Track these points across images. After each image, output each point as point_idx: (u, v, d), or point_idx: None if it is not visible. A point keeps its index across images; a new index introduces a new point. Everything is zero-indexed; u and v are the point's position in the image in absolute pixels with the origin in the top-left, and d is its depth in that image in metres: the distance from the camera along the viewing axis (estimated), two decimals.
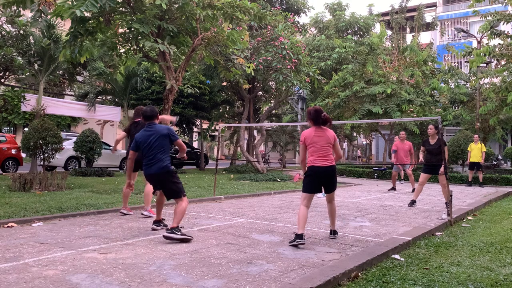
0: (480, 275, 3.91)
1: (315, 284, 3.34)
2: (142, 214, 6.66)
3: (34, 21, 8.57)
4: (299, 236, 4.81)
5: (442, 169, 7.87)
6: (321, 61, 22.03)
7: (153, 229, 5.64)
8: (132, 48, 10.06)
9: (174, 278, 3.59)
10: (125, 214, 6.80)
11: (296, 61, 16.45)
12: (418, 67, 20.20)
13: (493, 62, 19.68)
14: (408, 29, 35.33)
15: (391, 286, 3.56)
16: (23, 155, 14.82)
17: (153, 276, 3.64)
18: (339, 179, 14.51)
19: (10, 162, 15.25)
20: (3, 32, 13.58)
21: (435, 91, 20.13)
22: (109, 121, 25.80)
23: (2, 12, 12.14)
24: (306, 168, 5.16)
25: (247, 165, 19.55)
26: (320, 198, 9.80)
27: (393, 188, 12.27)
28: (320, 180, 5.09)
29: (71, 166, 16.30)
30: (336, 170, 5.22)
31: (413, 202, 8.93)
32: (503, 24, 14.34)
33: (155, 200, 6.00)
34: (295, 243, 4.77)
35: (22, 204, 7.33)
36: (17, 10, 12.28)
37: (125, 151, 14.37)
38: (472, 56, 14.45)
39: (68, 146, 15.42)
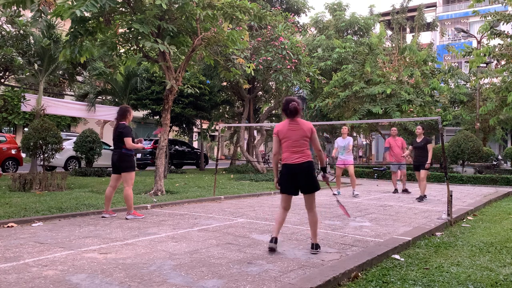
0: (480, 275, 3.91)
1: (315, 284, 3.34)
2: (126, 218, 6.56)
3: (34, 21, 8.55)
4: (272, 239, 4.61)
5: (427, 165, 9.49)
6: (321, 61, 22.02)
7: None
8: (132, 48, 10.05)
9: (174, 278, 3.59)
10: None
11: (296, 61, 16.45)
12: (418, 67, 20.19)
13: (493, 62, 19.70)
14: (408, 29, 35.34)
15: (391, 286, 3.56)
16: (23, 155, 14.83)
17: (153, 276, 3.64)
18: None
19: (10, 162, 15.25)
20: (3, 32, 13.58)
21: (435, 91, 20.12)
22: (109, 121, 25.80)
23: (2, 12, 12.14)
24: (279, 166, 4.77)
25: (247, 165, 19.56)
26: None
27: (396, 190, 11.74)
28: (294, 179, 4.62)
29: (71, 166, 16.31)
30: (314, 167, 4.70)
31: (422, 197, 9.80)
32: (503, 24, 14.33)
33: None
34: (269, 246, 4.60)
35: (22, 204, 7.33)
36: (17, 10, 12.32)
37: None
38: (472, 56, 14.44)
39: (68, 146, 15.43)
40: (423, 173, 9.74)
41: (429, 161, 9.62)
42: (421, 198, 9.81)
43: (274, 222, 6.43)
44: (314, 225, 4.68)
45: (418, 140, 9.87)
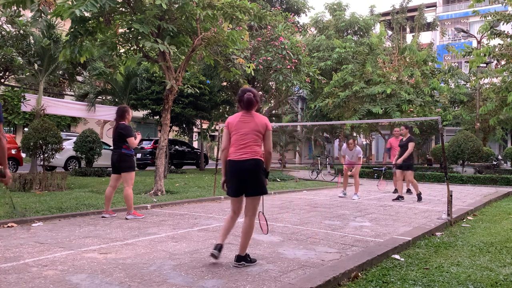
0: (480, 275, 3.91)
1: (315, 284, 3.34)
2: (126, 218, 6.56)
3: (34, 21, 8.55)
4: (215, 246, 4.02)
5: (399, 160, 9.62)
6: (321, 61, 22.03)
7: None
8: (132, 48, 10.05)
9: (174, 278, 3.59)
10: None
11: (296, 61, 16.45)
12: (418, 67, 20.20)
13: (493, 62, 19.69)
14: (408, 29, 35.34)
15: (391, 286, 3.56)
16: (23, 155, 14.83)
17: (153, 276, 3.64)
18: (337, 179, 14.39)
19: (10, 162, 15.23)
20: (3, 32, 13.58)
21: (435, 91, 20.12)
22: (109, 121, 25.79)
23: (2, 12, 12.14)
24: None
25: None
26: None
27: (396, 190, 11.38)
28: (237, 178, 3.99)
29: (71, 166, 16.30)
30: (262, 166, 4.02)
31: (400, 197, 9.93)
32: (503, 24, 14.33)
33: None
34: (211, 252, 4.04)
35: (22, 204, 7.33)
36: (17, 10, 12.31)
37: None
38: (472, 56, 14.44)
39: (68, 146, 15.43)
40: (409, 174, 9.76)
41: (403, 157, 9.64)
42: (419, 197, 9.81)
43: (272, 222, 6.45)
44: (247, 235, 4.04)
45: (404, 139, 9.93)
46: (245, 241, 4.03)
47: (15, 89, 20.46)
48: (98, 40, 9.45)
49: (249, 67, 11.86)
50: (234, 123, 4.05)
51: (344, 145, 10.80)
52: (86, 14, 7.89)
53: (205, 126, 23.84)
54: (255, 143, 3.98)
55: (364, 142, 37.13)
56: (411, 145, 9.63)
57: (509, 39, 14.47)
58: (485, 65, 19.55)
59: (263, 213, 4.28)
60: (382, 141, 26.84)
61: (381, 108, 18.67)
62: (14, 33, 13.76)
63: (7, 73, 15.30)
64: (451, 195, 6.90)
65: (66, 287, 3.35)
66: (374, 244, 5.01)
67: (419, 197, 9.86)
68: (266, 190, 4.10)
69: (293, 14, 21.86)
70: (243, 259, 4.01)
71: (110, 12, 8.89)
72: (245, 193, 4.03)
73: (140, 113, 20.95)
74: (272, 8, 19.14)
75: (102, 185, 10.99)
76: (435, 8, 36.94)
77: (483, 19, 14.53)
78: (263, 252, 4.55)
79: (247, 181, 3.97)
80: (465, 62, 27.73)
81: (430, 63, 21.45)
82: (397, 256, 4.52)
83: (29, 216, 6.24)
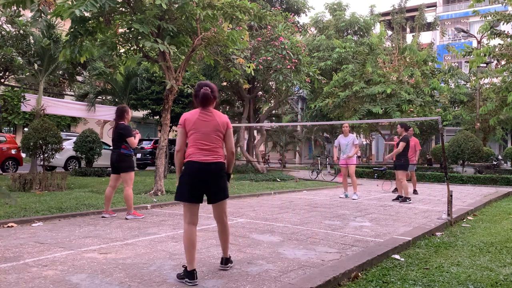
0: (480, 275, 3.91)
1: (315, 284, 3.34)
2: (126, 218, 6.56)
3: (34, 21, 8.54)
4: (190, 274, 3.46)
5: (384, 158, 9.16)
6: (321, 61, 22.03)
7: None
8: (132, 48, 10.05)
9: (174, 278, 3.59)
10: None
11: (296, 61, 16.44)
12: (418, 67, 20.20)
13: (493, 62, 19.70)
14: (408, 29, 35.35)
15: (391, 286, 3.56)
16: (23, 155, 14.84)
17: (153, 276, 3.64)
18: (337, 179, 14.39)
19: (10, 162, 15.26)
20: (3, 32, 13.59)
21: (435, 91, 20.12)
22: (109, 121, 25.80)
23: (2, 12, 12.14)
24: (183, 166, 3.72)
25: (247, 165, 19.55)
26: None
27: (396, 190, 11.31)
28: (199, 182, 3.60)
29: (71, 166, 16.31)
30: (225, 169, 3.75)
31: (399, 197, 9.76)
32: (503, 24, 14.33)
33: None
34: (183, 281, 3.48)
35: (22, 204, 7.34)
36: (17, 10, 12.31)
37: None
38: (472, 56, 14.43)
39: (68, 146, 15.43)
40: (400, 173, 9.58)
41: (390, 155, 9.59)
42: (404, 199, 9.47)
43: (272, 222, 6.45)
44: (226, 238, 3.89)
45: (399, 139, 9.84)
46: (226, 244, 3.92)
47: (15, 89, 20.48)
48: (98, 40, 9.45)
49: (249, 67, 11.86)
50: (192, 121, 3.67)
51: (340, 136, 10.52)
52: (86, 14, 7.89)
53: None
54: (218, 144, 3.69)
55: (364, 142, 37.14)
56: (400, 145, 9.48)
57: (509, 39, 14.47)
58: (485, 65, 19.55)
59: None
60: (382, 141, 26.84)
61: (381, 108, 18.66)
62: (14, 33, 13.78)
63: (7, 73, 15.32)
64: (451, 195, 6.90)
65: (66, 287, 3.35)
66: (374, 244, 5.01)
67: (404, 199, 9.45)
68: (228, 194, 3.85)
69: (293, 14, 21.85)
70: (229, 262, 3.96)
71: (110, 12, 8.89)
72: (209, 200, 3.73)
73: (140, 113, 20.96)
74: (272, 8, 19.13)
75: (102, 185, 10.99)
76: (435, 8, 36.95)
77: (483, 19, 14.53)
78: (263, 252, 4.55)
79: (209, 184, 3.63)
80: (465, 62, 27.73)
81: (430, 63, 21.43)
82: (397, 256, 4.52)
83: (29, 216, 6.25)
